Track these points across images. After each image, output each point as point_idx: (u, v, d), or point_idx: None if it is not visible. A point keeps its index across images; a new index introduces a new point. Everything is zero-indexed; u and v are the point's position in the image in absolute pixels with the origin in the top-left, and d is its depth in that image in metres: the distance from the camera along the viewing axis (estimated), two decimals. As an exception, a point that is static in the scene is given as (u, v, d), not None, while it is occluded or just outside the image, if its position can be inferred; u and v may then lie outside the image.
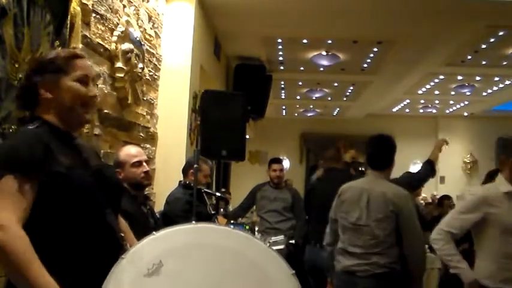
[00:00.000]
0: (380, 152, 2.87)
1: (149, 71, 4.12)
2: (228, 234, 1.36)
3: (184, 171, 3.62)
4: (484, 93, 9.19)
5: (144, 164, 2.66)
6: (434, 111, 11.17)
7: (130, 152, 2.66)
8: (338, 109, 11.23)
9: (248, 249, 1.33)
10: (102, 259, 1.34)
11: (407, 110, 11.30)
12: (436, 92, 9.33)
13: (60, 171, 1.36)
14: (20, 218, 1.27)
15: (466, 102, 10.21)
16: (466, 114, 11.46)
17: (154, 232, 1.32)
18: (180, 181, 3.59)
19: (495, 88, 8.74)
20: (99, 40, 3.08)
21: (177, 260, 1.29)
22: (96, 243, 1.40)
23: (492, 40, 6.03)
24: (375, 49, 6.55)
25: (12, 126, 2.02)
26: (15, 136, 1.42)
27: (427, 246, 3.05)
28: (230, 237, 1.34)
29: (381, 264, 2.64)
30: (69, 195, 1.37)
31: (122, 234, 1.56)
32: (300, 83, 8.67)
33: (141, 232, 1.97)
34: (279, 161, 5.01)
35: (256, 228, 4.69)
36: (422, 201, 7.34)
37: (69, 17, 2.49)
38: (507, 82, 8.27)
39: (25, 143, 1.35)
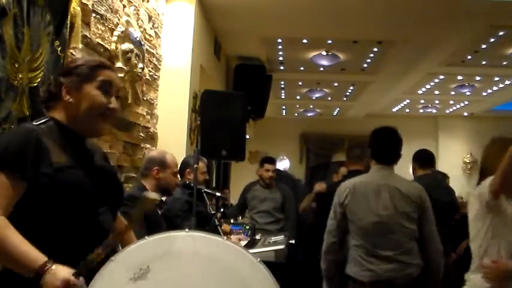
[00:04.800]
0: (389, 145, 2.78)
1: (149, 71, 4.12)
2: (220, 245, 1.34)
3: (181, 171, 3.62)
4: (484, 93, 9.19)
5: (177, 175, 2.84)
6: (434, 111, 11.16)
7: (175, 161, 2.81)
8: (338, 109, 11.23)
9: (241, 264, 1.30)
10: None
11: (407, 110, 11.30)
12: (436, 92, 9.33)
13: (46, 172, 1.36)
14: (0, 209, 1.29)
15: (466, 102, 10.20)
16: (466, 114, 11.46)
17: (146, 237, 1.31)
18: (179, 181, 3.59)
19: (495, 88, 8.74)
20: (99, 40, 3.08)
21: (165, 266, 1.28)
22: (85, 244, 1.40)
23: (492, 40, 6.03)
24: (375, 49, 6.55)
25: (12, 126, 2.02)
26: (9, 132, 1.45)
27: None
28: (222, 248, 1.32)
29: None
30: (56, 195, 1.38)
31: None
32: (300, 83, 8.67)
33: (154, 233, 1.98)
34: (272, 161, 4.96)
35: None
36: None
37: (69, 17, 2.49)
38: (507, 82, 8.26)
39: (16, 141, 1.36)
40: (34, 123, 1.46)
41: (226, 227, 3.77)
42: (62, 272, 1.24)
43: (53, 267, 1.24)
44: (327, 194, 4.54)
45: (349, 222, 2.69)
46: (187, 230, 1.36)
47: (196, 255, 1.30)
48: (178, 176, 3.65)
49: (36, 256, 1.26)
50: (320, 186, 4.62)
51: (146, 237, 1.31)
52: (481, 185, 2.27)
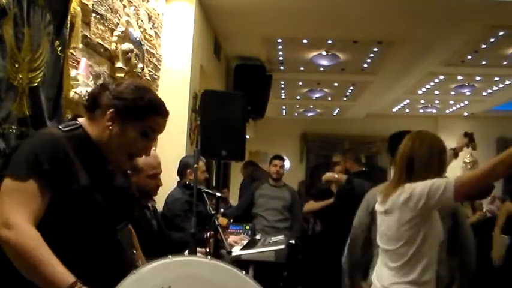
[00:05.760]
0: None
1: (149, 71, 4.11)
2: (239, 280, 1.33)
3: (181, 172, 3.61)
4: (484, 93, 9.18)
5: (159, 176, 2.65)
6: (434, 111, 11.16)
7: (151, 162, 2.61)
8: (338, 109, 11.22)
9: None
10: (109, 275, 1.33)
11: (407, 110, 11.29)
12: (436, 92, 9.33)
13: (74, 188, 1.35)
14: (31, 219, 1.27)
15: (466, 102, 10.20)
16: (466, 114, 11.45)
17: (170, 256, 1.31)
18: (179, 181, 3.59)
19: (495, 88, 8.73)
20: (99, 40, 3.08)
21: None
22: (103, 260, 1.41)
23: (492, 40, 6.02)
24: (375, 49, 6.54)
25: (13, 126, 2.02)
26: (35, 139, 1.40)
27: None
28: (240, 282, 1.33)
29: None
30: (79, 212, 1.37)
31: (134, 251, 1.57)
32: (300, 83, 8.66)
33: (143, 235, 1.98)
34: (280, 157, 5.07)
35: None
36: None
37: (69, 17, 2.49)
38: (507, 82, 8.26)
39: (46, 150, 1.33)
40: (61, 128, 1.42)
41: (223, 220, 3.76)
42: None
43: None
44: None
45: (373, 227, 2.58)
46: (209, 257, 1.38)
47: (216, 284, 1.30)
48: (178, 176, 3.67)
49: (65, 275, 1.24)
50: (311, 206, 4.71)
51: (170, 256, 1.31)
52: (427, 184, 2.02)
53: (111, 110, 1.44)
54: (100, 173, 1.46)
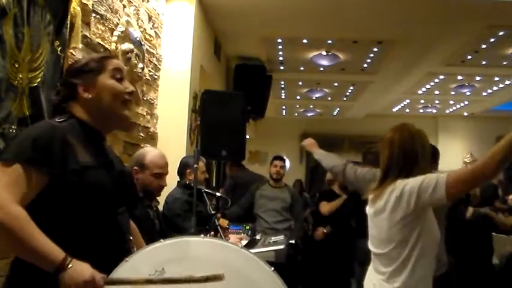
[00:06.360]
0: None
1: (149, 71, 4.11)
2: (236, 253, 1.34)
3: (181, 172, 3.61)
4: (484, 93, 9.19)
5: (164, 177, 2.64)
6: (434, 111, 11.17)
7: (157, 161, 2.61)
8: (338, 109, 11.23)
9: (255, 273, 1.32)
10: (107, 258, 1.34)
11: (407, 110, 11.31)
12: (436, 92, 9.34)
13: (75, 168, 1.37)
14: (18, 200, 1.28)
15: (466, 102, 10.21)
16: (466, 114, 11.46)
17: (161, 240, 1.32)
18: (179, 181, 3.58)
19: (495, 88, 8.74)
20: (99, 40, 3.08)
21: (179, 270, 1.29)
22: (103, 242, 1.42)
23: (492, 40, 6.03)
24: (375, 49, 6.55)
25: (13, 126, 2.02)
26: (33, 127, 1.44)
27: None
28: (238, 257, 1.33)
29: None
30: (81, 193, 1.39)
31: (131, 237, 1.58)
32: (300, 83, 8.67)
33: (146, 235, 1.98)
34: (281, 158, 5.06)
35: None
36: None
37: (69, 17, 2.49)
38: (507, 82, 8.27)
39: (42, 136, 1.36)
40: (56, 120, 1.46)
41: (223, 221, 3.76)
42: (85, 270, 1.24)
43: (72, 264, 1.25)
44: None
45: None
46: (202, 235, 1.38)
47: (210, 261, 1.31)
48: (178, 176, 3.66)
49: (56, 250, 1.26)
50: (326, 208, 4.74)
51: (161, 240, 1.33)
52: (418, 180, 1.91)
53: (78, 86, 1.51)
54: (101, 156, 1.50)
